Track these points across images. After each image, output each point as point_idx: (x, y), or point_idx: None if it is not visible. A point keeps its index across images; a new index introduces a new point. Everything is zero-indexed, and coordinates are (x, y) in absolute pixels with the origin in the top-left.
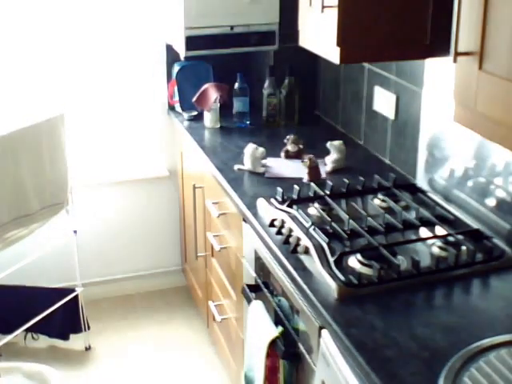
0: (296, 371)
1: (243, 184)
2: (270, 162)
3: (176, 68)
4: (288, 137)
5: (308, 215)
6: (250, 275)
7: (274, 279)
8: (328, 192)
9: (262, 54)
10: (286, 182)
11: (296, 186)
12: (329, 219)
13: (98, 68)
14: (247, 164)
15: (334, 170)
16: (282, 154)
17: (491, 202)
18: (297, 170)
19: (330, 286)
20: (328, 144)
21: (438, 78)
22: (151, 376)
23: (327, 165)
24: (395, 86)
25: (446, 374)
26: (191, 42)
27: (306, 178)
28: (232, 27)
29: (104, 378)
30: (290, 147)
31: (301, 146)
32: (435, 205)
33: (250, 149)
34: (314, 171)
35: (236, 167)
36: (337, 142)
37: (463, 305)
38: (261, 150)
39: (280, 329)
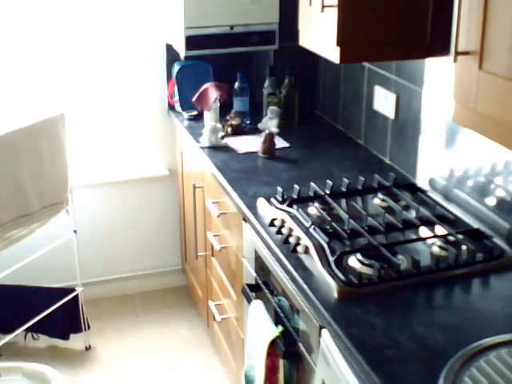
0: (296, 371)
1: (241, 181)
2: (231, 140)
3: (176, 68)
4: (230, 115)
5: (308, 215)
6: (250, 275)
7: (274, 279)
8: (328, 191)
9: (262, 53)
10: (244, 156)
11: (296, 186)
12: (329, 219)
13: (98, 68)
14: (208, 140)
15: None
16: (229, 129)
17: (491, 201)
18: (254, 144)
19: (330, 285)
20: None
21: (438, 78)
22: (151, 376)
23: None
24: (395, 85)
25: (446, 374)
26: (191, 42)
27: (260, 152)
28: (232, 27)
29: (104, 377)
30: (233, 121)
31: (240, 120)
32: (435, 204)
33: (209, 126)
34: (268, 146)
35: (200, 145)
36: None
37: (463, 304)
38: (219, 126)
39: (280, 328)
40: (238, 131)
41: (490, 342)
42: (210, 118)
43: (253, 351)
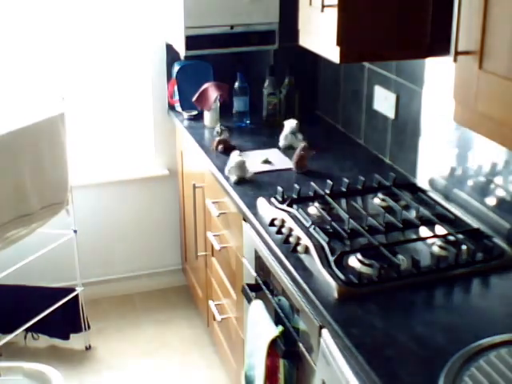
0: (296, 370)
1: (244, 184)
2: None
3: (176, 67)
4: (217, 129)
5: (308, 214)
6: (250, 274)
7: (274, 279)
8: (328, 191)
9: (262, 53)
10: (279, 174)
11: (296, 186)
12: (329, 218)
13: (98, 67)
14: (236, 173)
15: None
16: (220, 147)
17: (491, 201)
18: (282, 161)
19: (330, 285)
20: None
21: (438, 78)
22: (151, 376)
23: (280, 141)
24: (395, 85)
25: (446, 374)
26: (191, 42)
27: (293, 167)
28: (232, 26)
29: (104, 377)
30: (221, 137)
31: (227, 135)
32: (435, 204)
33: (236, 159)
34: (303, 160)
35: (233, 180)
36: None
37: (463, 304)
38: (242, 157)
39: (280, 328)
40: (229, 147)
41: (490, 342)
42: (210, 117)
43: (253, 351)
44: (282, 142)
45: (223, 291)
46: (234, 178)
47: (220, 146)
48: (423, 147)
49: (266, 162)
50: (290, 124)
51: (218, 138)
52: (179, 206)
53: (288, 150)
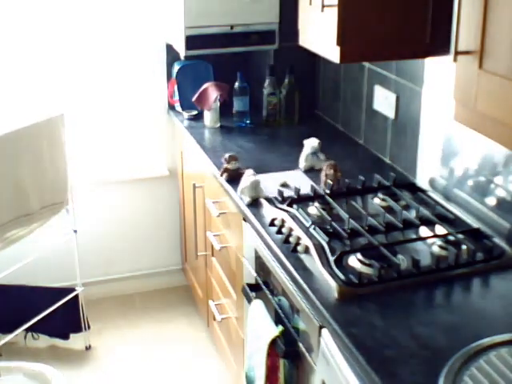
0: (296, 370)
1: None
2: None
3: (176, 67)
4: (226, 156)
5: (308, 214)
6: (250, 274)
7: (275, 278)
8: (328, 191)
9: (262, 53)
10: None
11: (296, 185)
12: (329, 218)
13: (98, 67)
14: (250, 194)
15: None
16: (225, 175)
17: (491, 201)
18: (306, 183)
19: (331, 285)
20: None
21: (438, 77)
22: (151, 375)
23: (300, 163)
24: (395, 85)
25: (447, 374)
26: (191, 42)
27: (325, 188)
28: (232, 26)
29: (104, 377)
30: (229, 166)
31: (237, 163)
32: (435, 204)
33: (250, 178)
34: (333, 184)
35: (246, 201)
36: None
37: (463, 304)
38: (256, 176)
39: (280, 328)
40: (235, 176)
41: (490, 342)
42: (210, 117)
43: (253, 351)
44: (302, 164)
45: (223, 291)
46: (247, 199)
47: (225, 174)
48: (423, 147)
49: (284, 185)
50: (310, 144)
51: (224, 166)
52: (179, 206)
53: (309, 172)
